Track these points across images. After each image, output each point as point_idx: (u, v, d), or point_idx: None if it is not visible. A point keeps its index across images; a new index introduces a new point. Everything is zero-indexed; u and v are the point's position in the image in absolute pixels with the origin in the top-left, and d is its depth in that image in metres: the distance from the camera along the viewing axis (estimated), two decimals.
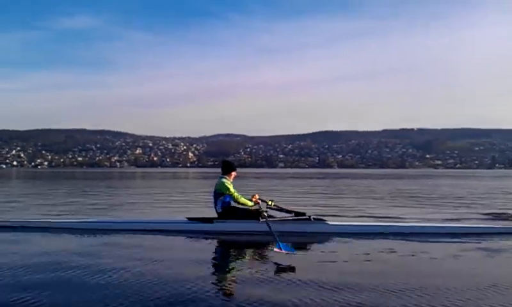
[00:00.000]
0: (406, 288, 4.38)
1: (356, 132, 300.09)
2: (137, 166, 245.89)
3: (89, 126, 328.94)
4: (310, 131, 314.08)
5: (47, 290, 4.39)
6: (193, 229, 8.11)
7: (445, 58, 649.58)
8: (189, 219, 8.39)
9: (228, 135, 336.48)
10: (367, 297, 4.11)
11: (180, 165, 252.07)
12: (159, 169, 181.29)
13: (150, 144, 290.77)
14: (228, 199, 8.16)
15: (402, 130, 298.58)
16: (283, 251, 5.88)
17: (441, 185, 29.67)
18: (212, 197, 8.42)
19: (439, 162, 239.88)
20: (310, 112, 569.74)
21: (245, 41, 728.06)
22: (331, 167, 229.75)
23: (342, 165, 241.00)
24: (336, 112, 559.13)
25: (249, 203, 8.05)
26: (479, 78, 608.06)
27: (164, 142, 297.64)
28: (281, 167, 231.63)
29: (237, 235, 7.71)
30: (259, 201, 8.06)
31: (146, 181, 40.37)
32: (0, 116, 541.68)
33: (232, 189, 8.09)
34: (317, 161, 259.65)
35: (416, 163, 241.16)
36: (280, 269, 5.32)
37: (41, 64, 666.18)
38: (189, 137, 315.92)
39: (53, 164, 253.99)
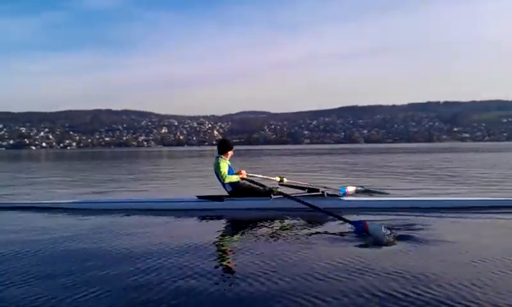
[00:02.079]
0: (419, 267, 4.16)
1: (382, 107, 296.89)
2: (164, 145, 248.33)
3: (114, 107, 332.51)
4: (335, 106, 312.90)
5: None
6: (204, 207, 7.98)
7: (471, 30, 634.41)
8: (200, 197, 8.21)
9: (252, 112, 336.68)
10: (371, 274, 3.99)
11: (207, 143, 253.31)
12: (185, 148, 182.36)
13: (175, 123, 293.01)
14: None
15: (429, 103, 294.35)
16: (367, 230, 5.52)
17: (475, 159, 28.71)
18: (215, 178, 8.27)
19: (467, 135, 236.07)
20: (334, 87, 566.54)
21: (267, 17, 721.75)
22: (357, 142, 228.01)
23: (368, 140, 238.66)
24: (360, 87, 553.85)
25: (234, 177, 7.93)
26: (506, 50, 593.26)
27: (188, 121, 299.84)
28: (307, 144, 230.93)
29: (248, 211, 7.51)
30: (245, 175, 7.99)
31: (174, 160, 39.91)
32: (27, 99, 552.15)
33: (222, 171, 7.91)
34: (342, 136, 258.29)
35: (444, 136, 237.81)
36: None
37: (66, 46, 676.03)
38: (213, 116, 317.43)
39: (81, 144, 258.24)
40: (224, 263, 4.61)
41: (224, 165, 7.99)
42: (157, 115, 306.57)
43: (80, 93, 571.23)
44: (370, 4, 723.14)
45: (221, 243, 5.61)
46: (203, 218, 7.31)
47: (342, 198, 7.92)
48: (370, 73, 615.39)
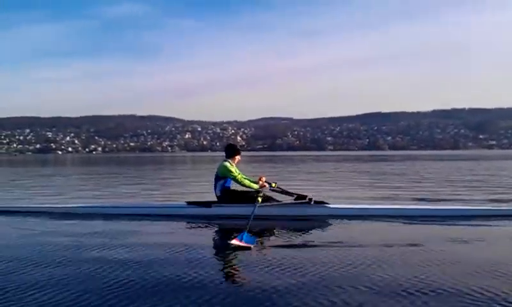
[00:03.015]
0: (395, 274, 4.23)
1: (405, 113, 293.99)
2: (188, 150, 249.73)
3: (138, 112, 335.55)
4: (358, 113, 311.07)
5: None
6: (192, 213, 7.93)
7: (496, 37, 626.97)
8: (188, 202, 8.15)
9: (273, 118, 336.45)
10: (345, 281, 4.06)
11: None
12: (209, 153, 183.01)
13: (199, 129, 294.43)
14: (228, 182, 7.91)
15: (454, 110, 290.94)
16: (241, 243, 5.49)
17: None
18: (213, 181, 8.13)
19: (493, 143, 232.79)
20: (357, 93, 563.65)
21: (288, 24, 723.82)
22: (382, 149, 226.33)
23: (393, 147, 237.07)
24: (384, 93, 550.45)
25: (255, 186, 7.74)
26: None
27: (212, 126, 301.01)
28: (330, 150, 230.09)
29: (234, 219, 7.29)
30: (265, 184, 7.82)
31: (197, 164, 40.17)
32: (54, 104, 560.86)
33: (235, 172, 7.77)
34: (366, 143, 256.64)
35: (470, 144, 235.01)
36: (235, 248, 5.37)
37: (91, 52, 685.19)
38: (236, 121, 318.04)
39: (106, 149, 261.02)
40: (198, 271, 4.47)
41: (233, 168, 7.86)
42: (180, 120, 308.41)
43: (104, 99, 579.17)
44: (393, 10, 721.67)
45: (201, 250, 5.41)
46: (191, 224, 7.28)
47: (328, 206, 7.79)
48: (393, 79, 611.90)
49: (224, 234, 6.49)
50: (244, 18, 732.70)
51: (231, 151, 8.16)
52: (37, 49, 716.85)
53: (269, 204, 7.50)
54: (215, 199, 8.04)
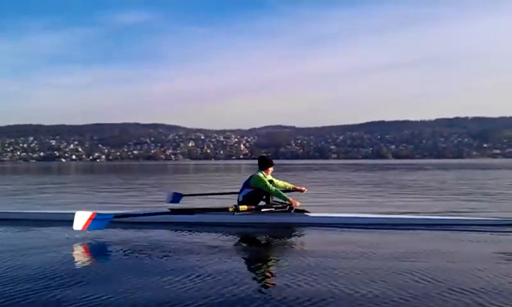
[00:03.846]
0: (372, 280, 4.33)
1: (409, 122, 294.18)
2: (192, 159, 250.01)
3: (141, 120, 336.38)
4: (361, 121, 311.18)
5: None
6: (175, 220, 7.90)
7: (498, 44, 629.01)
8: (172, 210, 7.88)
9: (277, 126, 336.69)
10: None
11: (234, 157, 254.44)
12: (213, 161, 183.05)
13: (202, 137, 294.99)
14: (252, 193, 7.91)
15: (457, 118, 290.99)
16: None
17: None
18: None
19: (497, 151, 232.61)
20: (360, 102, 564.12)
21: (294, 30, 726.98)
22: (385, 158, 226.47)
23: (397, 155, 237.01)
24: (387, 102, 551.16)
25: (284, 196, 7.75)
26: None
27: (215, 134, 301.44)
28: (334, 159, 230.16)
29: (213, 226, 7.41)
30: (297, 203, 7.76)
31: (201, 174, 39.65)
32: (57, 111, 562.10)
33: (268, 185, 7.79)
34: (370, 152, 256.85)
35: (474, 153, 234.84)
36: None
37: (96, 60, 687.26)
38: (239, 130, 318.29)
39: (110, 157, 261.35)
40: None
41: (268, 180, 7.93)
42: (183, 129, 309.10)
43: (108, 106, 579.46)
44: (396, 18, 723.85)
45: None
46: (175, 231, 7.28)
47: (308, 214, 7.87)
48: (396, 88, 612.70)
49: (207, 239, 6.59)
50: (254, 25, 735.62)
51: (264, 162, 8.20)
52: (40, 57, 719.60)
53: (248, 212, 7.55)
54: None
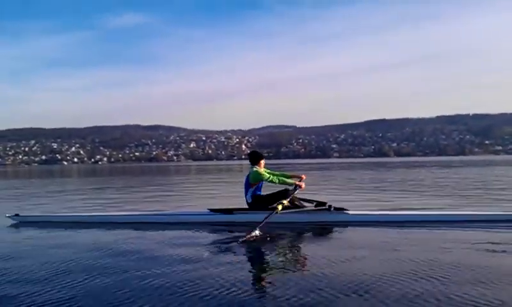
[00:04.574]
0: (416, 277, 4.41)
1: (410, 120, 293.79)
2: (194, 160, 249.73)
3: (142, 122, 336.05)
4: (362, 120, 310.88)
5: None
6: (215, 220, 8.15)
7: (498, 41, 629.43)
8: (211, 210, 8.36)
9: (277, 126, 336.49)
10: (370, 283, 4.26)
11: (235, 158, 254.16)
12: (215, 162, 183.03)
13: (203, 138, 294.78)
14: (259, 190, 8.16)
15: (457, 115, 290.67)
16: (249, 236, 6.30)
17: None
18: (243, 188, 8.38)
19: (499, 148, 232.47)
20: (361, 101, 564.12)
21: (293, 31, 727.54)
22: (388, 156, 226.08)
23: (399, 153, 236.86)
24: (387, 100, 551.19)
25: (290, 181, 7.97)
26: None
27: (216, 135, 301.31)
28: (336, 157, 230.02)
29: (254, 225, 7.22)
30: (302, 184, 7.93)
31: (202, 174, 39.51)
32: (58, 115, 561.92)
33: (266, 174, 8.00)
34: (372, 150, 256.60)
35: (476, 149, 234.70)
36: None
37: (95, 63, 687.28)
38: (240, 130, 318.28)
39: (112, 159, 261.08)
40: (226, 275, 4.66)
41: (263, 171, 8.16)
42: (184, 130, 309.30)
43: (108, 109, 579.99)
44: (395, 17, 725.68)
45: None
46: (215, 231, 7.51)
47: (348, 212, 7.92)
48: (396, 86, 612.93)
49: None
50: (252, 26, 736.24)
51: (255, 157, 8.39)
52: (40, 60, 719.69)
53: (289, 211, 7.66)
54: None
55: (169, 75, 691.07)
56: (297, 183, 7.94)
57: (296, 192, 7.89)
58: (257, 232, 6.50)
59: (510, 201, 11.04)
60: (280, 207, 7.40)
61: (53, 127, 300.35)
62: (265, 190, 8.30)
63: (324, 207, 7.92)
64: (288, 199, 7.68)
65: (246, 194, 8.24)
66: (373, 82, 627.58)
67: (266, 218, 6.97)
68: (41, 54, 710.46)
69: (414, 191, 15.39)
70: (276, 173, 8.36)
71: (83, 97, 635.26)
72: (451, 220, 7.68)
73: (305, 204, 8.16)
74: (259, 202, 8.07)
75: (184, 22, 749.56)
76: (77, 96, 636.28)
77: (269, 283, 4.49)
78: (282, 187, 7.97)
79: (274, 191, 8.00)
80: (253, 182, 8.09)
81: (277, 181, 7.94)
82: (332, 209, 7.88)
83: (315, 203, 8.08)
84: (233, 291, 4.12)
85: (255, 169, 8.20)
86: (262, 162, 8.39)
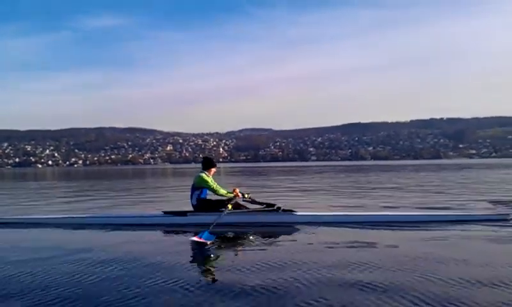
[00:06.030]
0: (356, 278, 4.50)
1: (385, 123, 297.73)
2: (171, 162, 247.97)
3: (117, 125, 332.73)
4: (338, 123, 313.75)
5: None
6: (168, 222, 8.33)
7: (470, 46, 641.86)
8: (165, 212, 8.63)
9: (254, 129, 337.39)
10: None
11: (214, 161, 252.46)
12: (193, 165, 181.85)
13: (180, 141, 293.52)
14: (204, 193, 8.41)
15: (432, 119, 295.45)
16: (200, 240, 6.29)
17: None
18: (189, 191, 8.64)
19: (473, 152, 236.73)
20: (337, 104, 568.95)
21: (271, 35, 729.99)
22: (364, 159, 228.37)
23: (375, 157, 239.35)
24: (363, 104, 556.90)
25: (229, 195, 8.33)
26: (507, 66, 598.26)
27: (193, 138, 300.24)
28: (314, 160, 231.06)
29: (207, 226, 7.20)
30: (239, 194, 8.30)
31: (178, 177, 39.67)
32: (31, 117, 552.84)
33: (210, 182, 8.35)
34: (349, 153, 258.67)
35: (451, 153, 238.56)
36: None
37: (71, 64, 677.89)
38: (217, 133, 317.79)
39: (87, 162, 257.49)
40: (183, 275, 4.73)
41: (209, 179, 8.46)
42: (160, 132, 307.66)
43: (83, 111, 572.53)
44: (371, 22, 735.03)
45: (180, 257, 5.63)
46: (167, 232, 7.71)
47: (295, 213, 8.30)
48: (372, 90, 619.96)
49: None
50: (233, 30, 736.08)
51: (207, 163, 8.72)
52: (13, 62, 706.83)
53: (239, 211, 8.12)
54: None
55: (146, 78, 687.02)
56: (234, 193, 8.32)
57: (235, 200, 8.27)
58: (208, 240, 6.47)
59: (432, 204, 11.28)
60: (230, 206, 7.90)
61: (27, 129, 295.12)
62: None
63: (272, 208, 8.32)
64: (232, 203, 8.11)
65: (191, 197, 8.52)
66: (349, 86, 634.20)
67: (216, 220, 7.27)
68: (13, 56, 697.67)
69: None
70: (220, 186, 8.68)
71: (57, 99, 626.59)
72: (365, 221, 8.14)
73: (255, 206, 8.54)
74: (203, 205, 8.38)
75: (162, 25, 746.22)
76: (50, 99, 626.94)
77: (213, 282, 4.54)
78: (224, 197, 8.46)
79: (223, 198, 8.44)
80: (197, 186, 8.40)
81: (217, 191, 8.37)
82: (280, 210, 8.28)
83: (264, 205, 8.47)
84: (176, 291, 4.18)
85: (202, 174, 8.46)
86: (213, 170, 8.74)
